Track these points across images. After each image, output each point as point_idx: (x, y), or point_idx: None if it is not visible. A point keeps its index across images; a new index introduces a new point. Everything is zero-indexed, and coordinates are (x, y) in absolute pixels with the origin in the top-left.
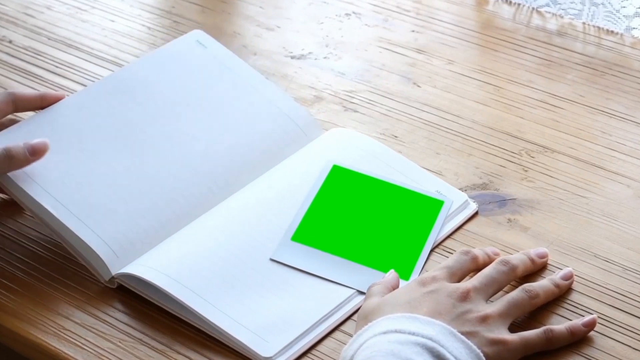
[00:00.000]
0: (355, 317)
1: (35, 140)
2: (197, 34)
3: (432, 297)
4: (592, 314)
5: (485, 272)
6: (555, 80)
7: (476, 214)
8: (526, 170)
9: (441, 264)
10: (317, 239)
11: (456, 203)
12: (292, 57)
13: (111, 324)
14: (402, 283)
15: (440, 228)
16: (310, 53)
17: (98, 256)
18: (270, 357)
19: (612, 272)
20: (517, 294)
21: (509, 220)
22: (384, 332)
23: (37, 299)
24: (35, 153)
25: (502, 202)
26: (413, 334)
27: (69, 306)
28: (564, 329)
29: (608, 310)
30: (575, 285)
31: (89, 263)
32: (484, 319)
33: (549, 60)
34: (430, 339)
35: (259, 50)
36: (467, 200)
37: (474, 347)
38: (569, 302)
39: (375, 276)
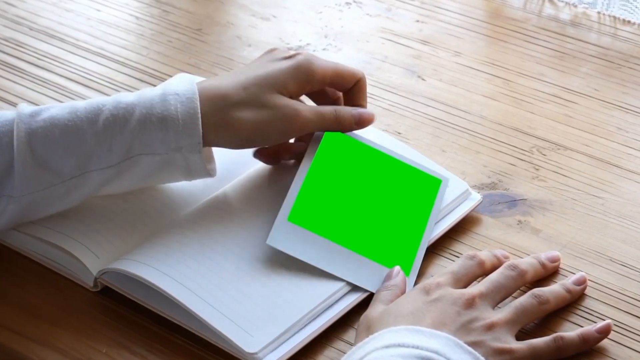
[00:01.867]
0: (356, 325)
1: (364, 110)
2: (182, 76)
3: (436, 306)
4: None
5: (492, 277)
6: (568, 73)
7: (485, 216)
8: (537, 169)
9: (446, 269)
10: (314, 219)
11: (456, 192)
12: (290, 49)
13: (96, 331)
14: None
15: (439, 212)
16: (308, 44)
17: (77, 259)
18: (255, 353)
19: (629, 277)
20: (525, 299)
21: (519, 222)
22: (387, 346)
23: (18, 305)
24: (361, 123)
25: (512, 202)
26: (417, 347)
27: (52, 313)
28: (576, 336)
29: (624, 317)
30: (589, 291)
31: (70, 268)
32: (490, 327)
33: (562, 52)
34: (435, 352)
35: (254, 42)
36: (467, 190)
37: (481, 358)
38: (582, 308)
39: (374, 270)
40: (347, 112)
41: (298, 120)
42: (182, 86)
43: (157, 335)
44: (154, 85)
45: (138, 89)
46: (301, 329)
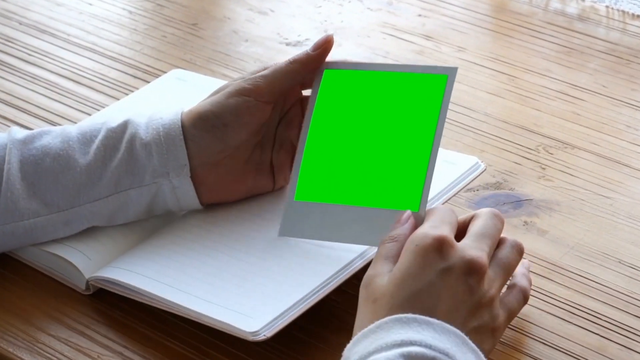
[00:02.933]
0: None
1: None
2: (176, 72)
3: (450, 280)
4: (618, 325)
5: (502, 253)
6: (575, 69)
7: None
8: (544, 168)
9: (470, 224)
10: (320, 186)
11: (465, 166)
12: (288, 44)
13: (89, 336)
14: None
15: (447, 113)
16: (307, 39)
17: (68, 261)
18: (257, 331)
19: (639, 280)
20: (511, 255)
21: (525, 222)
22: (399, 344)
23: (8, 309)
24: (316, 46)
25: (518, 202)
26: (429, 347)
27: (43, 317)
28: (518, 283)
29: (634, 322)
30: (598, 294)
31: (62, 271)
32: (491, 303)
33: (569, 48)
34: (446, 355)
35: (251, 37)
36: (477, 163)
37: (482, 356)
38: (590, 312)
39: (386, 220)
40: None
41: (250, 82)
42: (169, 111)
43: (152, 340)
44: (147, 82)
45: (131, 86)
46: (302, 305)
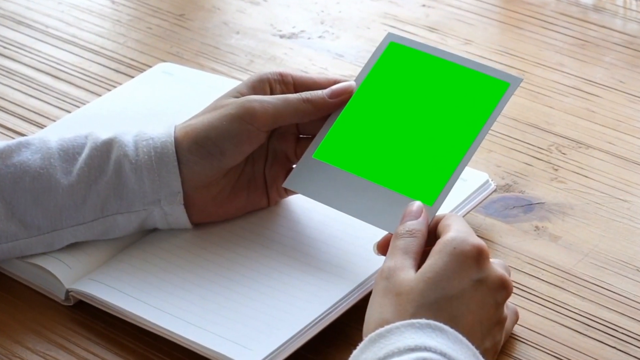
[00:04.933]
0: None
1: (338, 85)
2: (162, 66)
3: (481, 292)
4: (636, 338)
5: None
6: (590, 63)
7: (498, 222)
8: (556, 169)
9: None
10: (342, 151)
11: (475, 183)
12: (282, 37)
13: (69, 349)
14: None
15: (495, 120)
16: (302, 31)
17: (47, 270)
18: None
19: None
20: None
21: (536, 228)
22: (412, 349)
23: None
24: (334, 95)
25: (529, 206)
26: (444, 355)
27: (20, 329)
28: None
29: None
30: (615, 305)
31: (40, 280)
32: (501, 324)
33: (584, 40)
34: None
35: (243, 28)
36: (488, 181)
37: None
38: (605, 323)
39: (398, 204)
40: (317, 91)
41: (255, 107)
42: (159, 130)
43: (135, 353)
44: (132, 77)
45: (114, 81)
46: (301, 336)
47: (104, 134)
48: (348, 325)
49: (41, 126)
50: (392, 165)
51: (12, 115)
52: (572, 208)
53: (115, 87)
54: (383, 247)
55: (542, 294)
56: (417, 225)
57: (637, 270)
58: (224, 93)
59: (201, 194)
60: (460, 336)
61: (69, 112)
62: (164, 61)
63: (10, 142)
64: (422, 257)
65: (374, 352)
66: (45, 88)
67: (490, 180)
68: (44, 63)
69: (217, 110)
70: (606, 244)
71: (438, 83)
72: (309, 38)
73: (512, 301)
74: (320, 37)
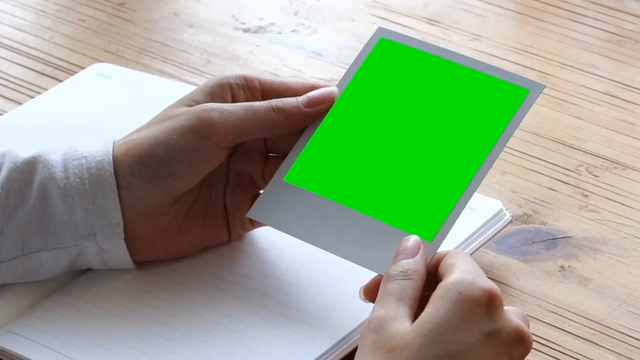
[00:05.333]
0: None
1: (314, 91)
2: (98, 67)
3: (493, 346)
4: None
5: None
6: (628, 63)
7: (514, 260)
8: (586, 196)
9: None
10: (320, 173)
11: (487, 213)
12: (246, 31)
13: None
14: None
15: (512, 133)
16: (271, 24)
17: None
18: None
19: None
20: None
21: (562, 268)
22: None
23: None
24: (310, 103)
25: (552, 241)
26: None
27: None
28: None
29: None
30: None
31: None
32: None
33: (620, 35)
34: None
35: (197, 20)
36: (502, 211)
37: None
38: None
39: (390, 239)
40: (290, 98)
41: (213, 118)
42: (94, 146)
43: None
44: (60, 81)
45: (38, 86)
46: None
47: (25, 152)
48: None
49: None
50: (382, 192)
51: None
52: (605, 243)
53: (39, 93)
54: (371, 292)
55: (569, 349)
56: (413, 265)
57: None
58: (175, 101)
59: (146, 226)
60: None
61: None
62: (100, 61)
63: None
64: (419, 305)
65: None
66: None
67: (504, 209)
68: None
69: (165, 122)
70: None
71: (439, 89)
72: (279, 32)
73: (531, 359)
74: (293, 31)
